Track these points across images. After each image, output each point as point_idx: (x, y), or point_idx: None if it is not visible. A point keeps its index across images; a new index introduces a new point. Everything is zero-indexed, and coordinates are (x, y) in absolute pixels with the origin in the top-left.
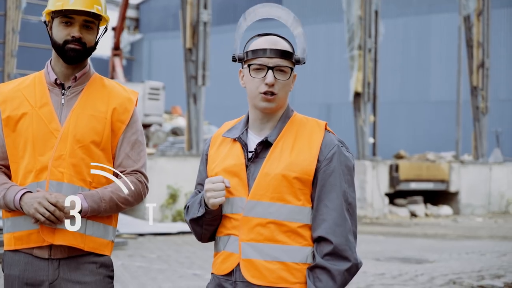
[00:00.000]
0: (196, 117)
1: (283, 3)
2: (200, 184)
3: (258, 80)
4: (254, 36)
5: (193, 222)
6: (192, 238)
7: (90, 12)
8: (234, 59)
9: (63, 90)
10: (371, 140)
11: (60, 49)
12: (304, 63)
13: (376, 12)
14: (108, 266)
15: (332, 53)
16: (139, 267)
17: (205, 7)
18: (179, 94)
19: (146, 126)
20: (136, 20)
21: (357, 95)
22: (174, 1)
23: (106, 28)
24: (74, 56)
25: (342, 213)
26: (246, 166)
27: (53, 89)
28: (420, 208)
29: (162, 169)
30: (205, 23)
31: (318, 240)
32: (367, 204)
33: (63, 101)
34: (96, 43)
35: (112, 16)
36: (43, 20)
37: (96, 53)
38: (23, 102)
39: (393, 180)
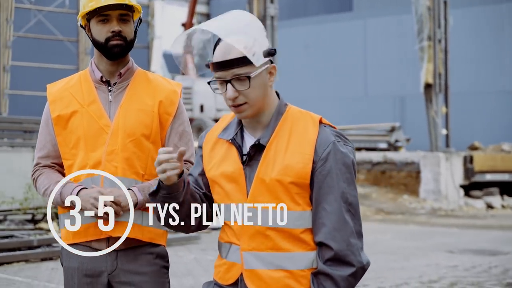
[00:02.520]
0: None
1: None
2: (190, 175)
3: (224, 94)
4: (217, 41)
5: (152, 202)
6: None
7: (123, 4)
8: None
9: (109, 87)
10: (444, 131)
11: (103, 47)
12: (274, 53)
13: (445, 2)
14: (163, 257)
15: (404, 45)
16: (212, 261)
17: (272, 1)
18: None
19: (218, 121)
20: (207, 16)
21: (428, 86)
22: None
23: (140, 19)
24: (118, 52)
25: (342, 216)
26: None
27: (100, 86)
28: (496, 199)
29: None
30: (272, 17)
31: (320, 245)
32: (441, 196)
33: (110, 98)
34: (135, 34)
35: (182, 12)
36: (79, 25)
37: (168, 49)
38: (71, 101)
39: (468, 171)
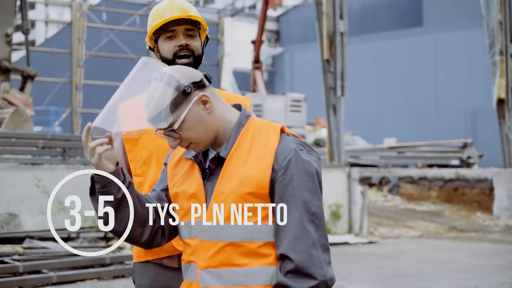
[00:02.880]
0: (337, 128)
1: (423, 13)
2: (152, 190)
3: None
4: None
5: (93, 202)
6: (342, 249)
7: (188, 20)
8: None
9: None
10: None
11: (171, 63)
12: (188, 91)
13: None
14: None
15: (476, 59)
16: None
17: (341, 17)
18: (322, 105)
19: None
20: (277, 33)
21: (500, 101)
22: (313, 12)
23: (207, 38)
24: (186, 64)
25: (303, 226)
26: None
27: None
28: None
29: None
30: (341, 34)
31: (282, 258)
32: None
33: None
34: (203, 52)
35: (252, 29)
36: (147, 47)
37: (238, 66)
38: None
39: None
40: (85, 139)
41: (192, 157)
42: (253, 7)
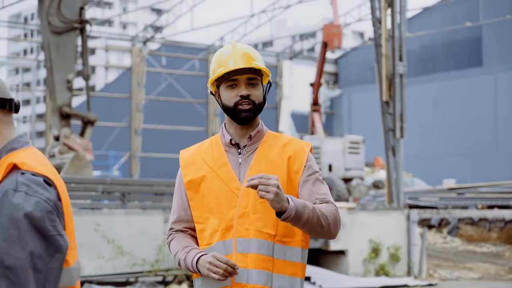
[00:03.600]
0: (396, 169)
1: (483, 53)
2: None
3: None
4: None
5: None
6: None
7: (251, 68)
8: None
9: (239, 149)
10: None
11: (232, 111)
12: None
13: None
14: None
15: None
16: None
17: (401, 59)
18: (380, 145)
19: (347, 180)
20: (335, 75)
21: None
22: (371, 54)
23: (270, 83)
24: (247, 117)
25: None
26: None
27: (230, 149)
28: None
29: (363, 223)
30: (401, 75)
31: None
32: None
33: (240, 160)
34: (264, 99)
35: (310, 72)
36: (209, 91)
37: (296, 108)
38: (202, 165)
39: None
40: None
41: None
42: (311, 49)
